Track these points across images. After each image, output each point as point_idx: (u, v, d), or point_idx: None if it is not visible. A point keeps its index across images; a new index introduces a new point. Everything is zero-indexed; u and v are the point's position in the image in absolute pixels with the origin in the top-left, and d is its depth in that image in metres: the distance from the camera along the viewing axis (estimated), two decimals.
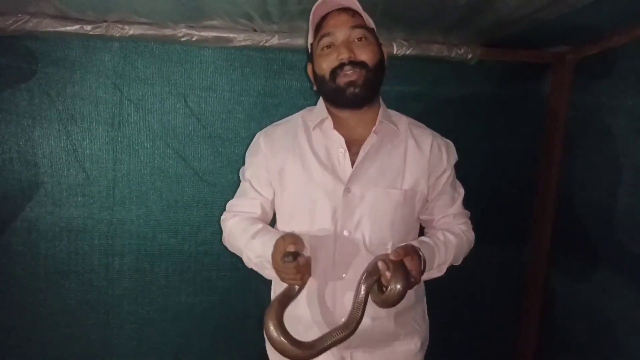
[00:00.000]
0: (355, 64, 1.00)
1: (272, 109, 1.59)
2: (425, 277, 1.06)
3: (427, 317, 1.22)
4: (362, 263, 1.01)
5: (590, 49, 1.59)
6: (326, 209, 1.04)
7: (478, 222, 1.76)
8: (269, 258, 0.98)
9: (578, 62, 1.68)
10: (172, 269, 1.62)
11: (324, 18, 1.06)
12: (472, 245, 1.19)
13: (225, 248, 1.18)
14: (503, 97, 1.76)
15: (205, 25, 1.46)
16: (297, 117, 1.17)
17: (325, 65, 1.03)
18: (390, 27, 1.49)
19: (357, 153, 1.06)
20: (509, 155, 1.79)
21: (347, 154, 1.06)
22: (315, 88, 1.13)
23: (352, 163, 1.05)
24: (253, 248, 1.05)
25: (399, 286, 0.87)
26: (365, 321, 1.01)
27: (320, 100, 1.15)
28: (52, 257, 1.54)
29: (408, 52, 1.57)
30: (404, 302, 1.08)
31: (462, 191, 1.20)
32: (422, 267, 0.99)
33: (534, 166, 1.82)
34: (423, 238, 1.11)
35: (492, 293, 1.87)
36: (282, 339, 0.86)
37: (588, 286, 1.64)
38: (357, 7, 1.04)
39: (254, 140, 1.18)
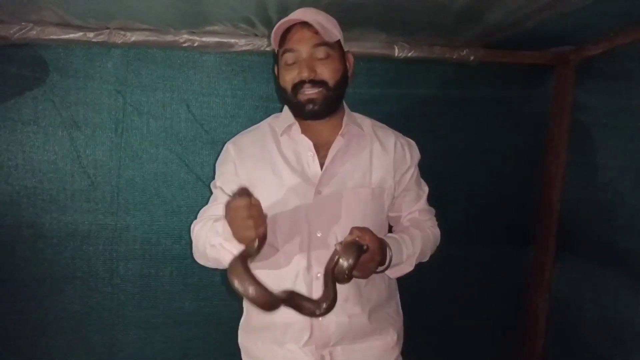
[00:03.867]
0: (315, 82, 1.03)
1: (274, 113, 1.59)
2: (398, 272, 1.10)
3: (400, 311, 1.24)
4: None
5: (594, 50, 1.59)
6: (299, 212, 1.07)
7: (483, 222, 1.79)
8: (229, 235, 0.93)
9: (581, 63, 1.67)
10: (177, 274, 1.63)
11: (288, 30, 1.06)
12: (438, 242, 1.21)
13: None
14: (506, 98, 1.75)
15: (207, 31, 1.46)
16: (264, 125, 1.21)
17: (288, 78, 1.06)
18: (390, 30, 1.49)
19: (325, 156, 1.09)
20: (513, 156, 1.79)
21: (315, 157, 1.09)
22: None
23: (321, 165, 1.09)
24: (215, 230, 1.01)
25: (350, 260, 0.90)
26: (342, 319, 1.07)
27: (286, 107, 1.17)
28: (57, 263, 1.55)
29: (409, 54, 1.57)
30: (377, 298, 1.13)
31: (426, 189, 1.24)
32: (389, 259, 1.01)
33: (538, 167, 1.82)
34: (388, 234, 1.13)
35: (498, 293, 1.86)
36: (250, 285, 0.82)
37: (593, 286, 1.64)
38: (320, 23, 1.02)
39: (223, 149, 1.19)
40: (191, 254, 1.61)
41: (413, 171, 1.19)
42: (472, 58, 1.62)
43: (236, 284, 0.84)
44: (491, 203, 1.78)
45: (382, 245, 1.00)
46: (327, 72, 1.04)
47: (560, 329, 1.78)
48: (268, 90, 1.59)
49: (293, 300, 0.90)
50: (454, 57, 1.61)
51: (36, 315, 1.56)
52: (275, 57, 1.17)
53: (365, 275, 0.98)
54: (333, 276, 0.93)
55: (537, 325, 1.85)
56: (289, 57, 1.05)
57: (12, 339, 1.57)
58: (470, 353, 1.85)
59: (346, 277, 0.92)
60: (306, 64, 1.03)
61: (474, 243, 1.79)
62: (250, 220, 0.87)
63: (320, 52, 1.04)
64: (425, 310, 1.73)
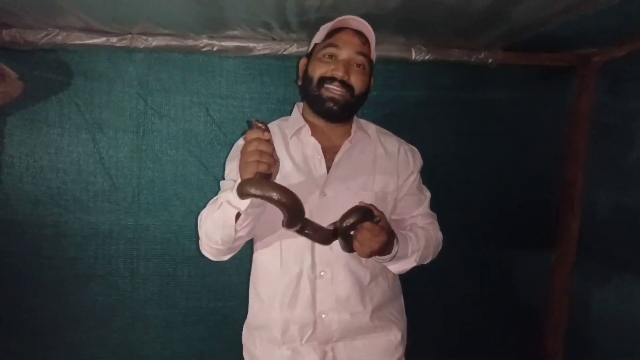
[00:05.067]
0: (344, 84, 1.09)
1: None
2: (401, 267, 1.11)
3: (404, 313, 1.25)
4: (339, 262, 1.09)
5: (616, 51, 1.56)
6: None
7: (503, 226, 1.77)
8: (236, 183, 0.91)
9: (603, 65, 1.64)
10: (195, 274, 1.65)
11: (338, 29, 1.12)
12: (440, 245, 1.21)
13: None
14: (526, 101, 1.73)
15: (226, 35, 1.48)
16: (273, 126, 1.22)
17: (319, 71, 1.11)
18: (409, 33, 1.48)
19: (332, 159, 1.13)
20: (534, 160, 1.77)
21: (323, 159, 1.13)
22: (300, 82, 1.20)
23: (327, 168, 1.12)
24: (226, 187, 1.03)
25: (350, 219, 0.94)
26: (344, 317, 1.09)
27: (295, 110, 1.22)
28: (79, 261, 1.59)
29: (427, 57, 1.56)
30: (380, 298, 1.15)
31: (428, 194, 1.25)
32: (395, 250, 1.04)
33: (559, 170, 1.79)
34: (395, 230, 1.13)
35: (518, 297, 1.84)
36: (271, 187, 0.81)
37: (614, 290, 1.61)
38: (372, 39, 1.12)
39: (233, 147, 1.22)
40: None
41: (415, 176, 1.22)
42: (490, 61, 1.60)
43: (253, 190, 0.81)
44: (510, 206, 1.76)
45: (392, 232, 1.02)
46: (357, 81, 1.10)
47: (581, 334, 1.75)
48: (285, 94, 1.61)
49: (307, 219, 0.93)
50: (472, 59, 1.60)
51: (58, 312, 1.60)
52: (308, 53, 1.20)
53: (365, 251, 0.97)
54: (335, 228, 0.97)
55: (557, 330, 1.82)
56: (330, 51, 1.10)
57: (34, 336, 1.60)
58: (489, 357, 1.83)
59: (344, 230, 0.94)
60: (344, 64, 1.09)
61: (494, 247, 1.78)
62: (256, 154, 0.86)
63: (359, 60, 1.11)
64: (444, 313, 1.73)
